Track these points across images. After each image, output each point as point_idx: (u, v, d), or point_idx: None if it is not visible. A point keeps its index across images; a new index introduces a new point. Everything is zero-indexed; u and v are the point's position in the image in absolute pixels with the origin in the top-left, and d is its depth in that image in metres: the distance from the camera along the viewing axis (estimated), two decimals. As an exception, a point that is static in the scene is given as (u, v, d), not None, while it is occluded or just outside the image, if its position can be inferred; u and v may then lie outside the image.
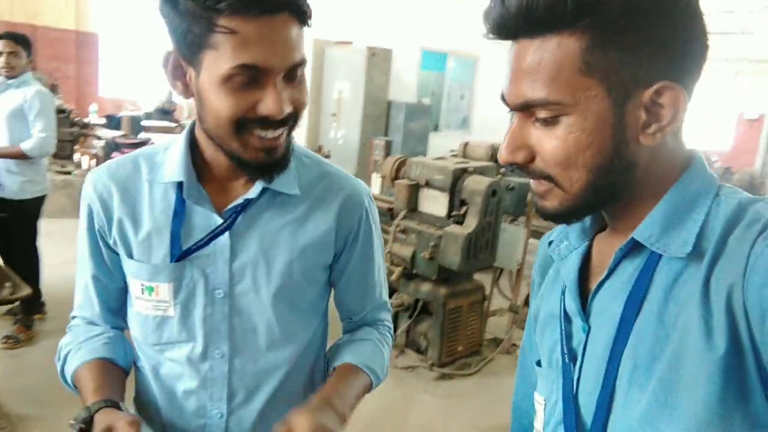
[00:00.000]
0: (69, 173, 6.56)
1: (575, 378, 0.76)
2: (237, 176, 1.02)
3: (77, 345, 1.07)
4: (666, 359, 0.65)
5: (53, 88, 7.54)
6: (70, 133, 6.51)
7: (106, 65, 11.44)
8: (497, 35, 0.69)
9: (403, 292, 3.82)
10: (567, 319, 0.79)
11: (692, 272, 0.66)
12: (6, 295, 2.76)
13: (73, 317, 1.15)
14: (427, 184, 3.75)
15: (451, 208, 3.67)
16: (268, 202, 1.03)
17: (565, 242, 0.82)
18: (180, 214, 1.01)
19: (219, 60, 0.86)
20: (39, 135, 3.52)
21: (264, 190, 1.01)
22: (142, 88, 11.26)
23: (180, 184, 1.01)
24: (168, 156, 1.04)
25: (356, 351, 1.11)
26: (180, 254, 1.00)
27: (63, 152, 6.52)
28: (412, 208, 3.83)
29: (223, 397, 1.06)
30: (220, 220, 1.01)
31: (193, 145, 1.03)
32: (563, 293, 0.81)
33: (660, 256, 0.69)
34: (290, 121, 0.93)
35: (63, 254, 5.07)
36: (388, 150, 6.03)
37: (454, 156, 4.44)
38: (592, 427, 0.72)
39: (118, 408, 0.93)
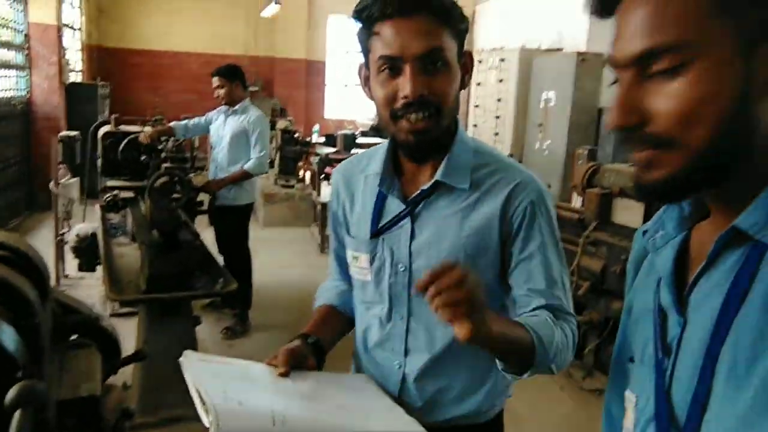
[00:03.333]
0: (291, 187, 7.31)
1: (669, 374, 0.71)
2: (423, 171, 1.22)
3: (322, 293, 1.43)
4: None
5: (282, 112, 8.50)
6: (294, 151, 7.24)
7: (332, 90, 12.58)
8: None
9: (592, 308, 3.57)
10: (661, 312, 0.75)
11: None
12: (218, 288, 3.17)
13: (329, 274, 1.47)
14: (621, 193, 3.47)
15: (647, 219, 3.34)
16: (443, 193, 1.20)
17: (660, 232, 0.76)
18: (380, 199, 1.25)
19: (374, 57, 1.11)
20: (258, 155, 4.03)
21: (438, 184, 1.18)
22: (360, 109, 12.16)
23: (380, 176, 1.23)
24: (379, 153, 1.27)
25: (523, 319, 1.11)
26: (374, 232, 1.24)
27: (287, 168, 7.29)
28: (604, 218, 3.57)
29: (401, 351, 1.25)
30: (404, 207, 1.21)
31: (396, 144, 1.24)
32: (658, 286, 0.76)
33: (766, 246, 0.62)
34: (430, 107, 1.09)
35: (280, 259, 5.69)
36: (592, 158, 5.70)
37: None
38: (686, 425, 0.67)
39: (306, 340, 1.20)
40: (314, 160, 7.18)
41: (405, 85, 1.07)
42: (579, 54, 7.55)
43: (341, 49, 12.28)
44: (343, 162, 1.39)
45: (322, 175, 6.78)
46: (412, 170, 1.23)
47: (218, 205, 4.12)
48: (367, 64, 1.16)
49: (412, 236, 1.20)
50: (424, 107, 1.09)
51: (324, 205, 6.16)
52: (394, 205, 1.22)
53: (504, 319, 1.08)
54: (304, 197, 7.23)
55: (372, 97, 1.17)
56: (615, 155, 7.45)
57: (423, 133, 1.11)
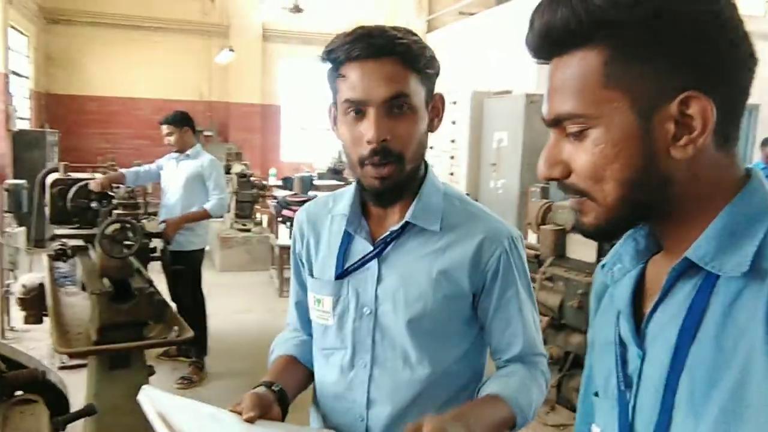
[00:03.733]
0: (248, 230, 7.23)
1: (631, 406, 0.73)
2: (390, 212, 1.20)
3: (279, 344, 1.36)
4: (727, 387, 0.61)
5: (238, 156, 8.46)
6: (250, 195, 7.19)
7: (288, 133, 12.62)
8: (536, 58, 0.73)
9: (552, 344, 3.59)
10: (622, 345, 0.77)
11: (753, 293, 0.62)
12: (173, 337, 3.08)
13: (287, 324, 1.42)
14: (574, 229, 3.55)
15: (600, 253, 3.42)
16: (413, 236, 1.18)
17: (618, 265, 0.79)
18: (346, 241, 1.22)
19: (340, 99, 1.11)
20: (219, 196, 4.00)
21: (409, 225, 1.17)
22: (316, 151, 12.21)
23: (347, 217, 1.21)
24: (346, 194, 1.25)
25: (501, 383, 1.14)
26: (339, 274, 1.20)
27: (243, 212, 7.22)
28: (560, 254, 3.64)
29: (363, 402, 1.19)
30: (372, 248, 1.18)
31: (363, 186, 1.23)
32: (618, 319, 0.78)
33: (717, 276, 0.66)
34: (392, 155, 1.09)
35: (237, 305, 5.58)
36: (545, 196, 5.83)
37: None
38: None
39: (270, 388, 1.14)
40: (271, 203, 7.15)
41: (368, 130, 1.07)
42: (528, 96, 7.79)
43: (296, 92, 12.37)
44: (308, 202, 1.37)
45: (280, 218, 6.74)
46: (380, 212, 1.21)
47: (171, 250, 4.04)
48: (334, 104, 1.16)
49: (379, 279, 1.18)
50: (387, 155, 1.09)
51: (282, 248, 6.10)
52: (361, 247, 1.20)
53: (480, 406, 1.09)
54: (261, 240, 7.16)
55: (340, 138, 1.17)
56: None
57: (387, 179, 1.11)
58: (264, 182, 8.07)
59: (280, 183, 9.29)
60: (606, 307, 0.85)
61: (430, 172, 1.22)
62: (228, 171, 7.94)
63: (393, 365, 1.17)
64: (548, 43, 0.69)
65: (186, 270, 4.04)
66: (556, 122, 0.70)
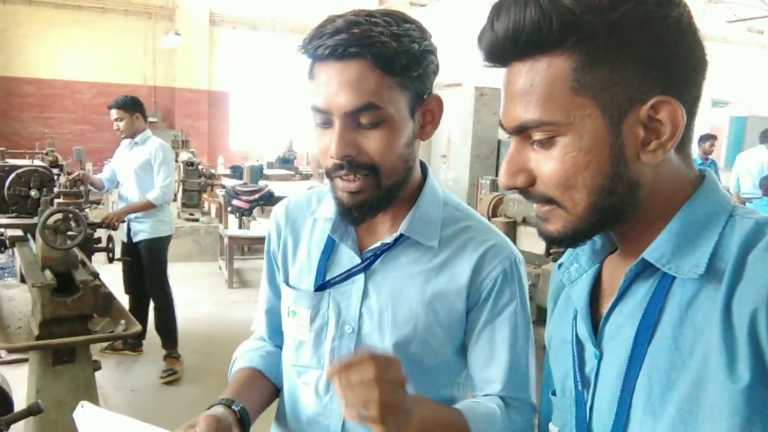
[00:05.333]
0: (196, 220, 7.07)
1: (588, 406, 0.73)
2: (381, 219, 1.05)
3: (242, 354, 1.21)
4: (684, 387, 0.62)
5: (185, 143, 8.26)
6: (198, 184, 7.02)
7: (236, 121, 12.40)
8: (491, 61, 0.70)
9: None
10: (579, 345, 0.77)
11: (708, 294, 0.63)
12: (120, 331, 2.99)
13: (252, 331, 1.28)
14: (525, 221, 3.63)
15: (550, 246, 3.51)
16: (406, 250, 1.04)
17: (575, 265, 0.80)
18: (329, 248, 1.08)
19: (310, 103, 0.95)
20: (161, 184, 3.89)
21: (403, 238, 1.03)
22: (266, 140, 12.04)
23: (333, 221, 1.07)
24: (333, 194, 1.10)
25: (468, 407, 1.00)
26: (320, 285, 1.07)
27: (191, 201, 7.05)
28: (510, 246, 3.72)
29: (338, 429, 1.07)
30: (359, 260, 1.05)
31: None
32: (575, 318, 0.78)
33: (673, 277, 0.66)
34: (362, 168, 0.93)
35: (188, 295, 5.45)
36: (494, 188, 5.94)
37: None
38: None
39: (230, 407, 1.01)
40: (220, 192, 7.01)
41: (331, 143, 0.92)
42: (477, 89, 7.89)
43: (245, 79, 12.15)
44: (289, 198, 1.20)
45: (229, 208, 6.62)
46: (373, 219, 1.05)
47: (136, 240, 3.92)
48: None
49: (365, 295, 1.04)
50: (355, 168, 0.93)
51: (232, 238, 6.00)
52: (346, 256, 1.06)
53: (438, 413, 0.95)
54: (210, 230, 7.01)
55: None
56: (515, 184, 7.82)
57: (357, 193, 0.96)
58: (212, 171, 7.90)
59: (228, 172, 9.12)
60: (562, 306, 0.85)
61: (430, 178, 1.07)
62: (175, 159, 7.76)
63: None
64: (512, 45, 0.65)
65: (151, 259, 3.94)
66: (521, 130, 0.68)
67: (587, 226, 0.69)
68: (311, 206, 1.14)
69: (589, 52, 0.63)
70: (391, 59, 0.90)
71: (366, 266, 1.04)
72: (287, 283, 1.13)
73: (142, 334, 4.03)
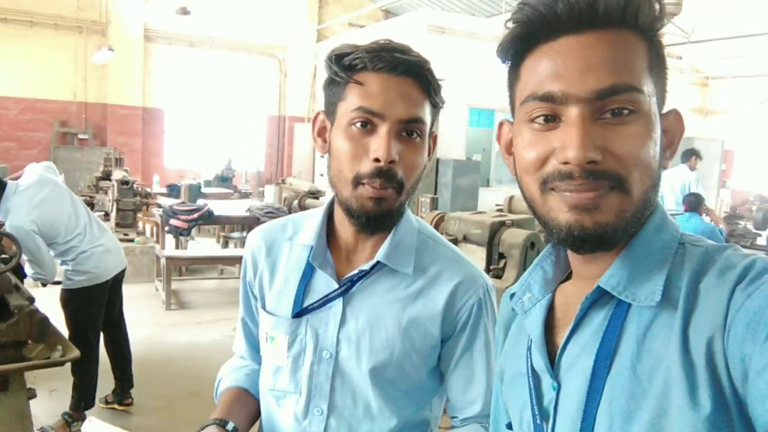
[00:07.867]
0: (131, 240, 6.87)
1: None
2: (361, 248, 1.09)
3: (228, 373, 1.26)
4: (646, 418, 0.61)
5: (119, 161, 8.03)
6: (133, 203, 6.83)
7: (171, 138, 12.13)
8: (566, 22, 0.65)
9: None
10: (535, 376, 0.75)
11: (664, 322, 0.63)
12: (56, 357, 2.88)
13: (235, 351, 1.31)
14: (465, 239, 3.73)
15: (489, 262, 3.62)
16: (383, 277, 1.08)
17: (527, 294, 0.79)
18: (307, 275, 1.10)
19: (347, 107, 1.00)
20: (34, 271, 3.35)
21: (380, 266, 1.07)
22: (203, 158, 11.82)
23: (312, 248, 1.10)
24: (309, 221, 1.15)
25: None
26: (298, 312, 1.09)
27: (125, 221, 6.84)
28: (451, 263, 3.79)
29: None
30: (336, 286, 1.08)
31: (331, 215, 1.13)
32: (529, 349, 0.77)
33: (628, 305, 0.66)
34: (394, 180, 0.99)
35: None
36: (434, 206, 6.05)
37: (500, 210, 4.40)
38: None
39: (223, 426, 1.05)
40: (156, 211, 6.84)
41: (379, 147, 0.97)
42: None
43: (181, 96, 11.93)
44: (264, 225, 1.23)
45: (167, 228, 6.47)
46: (349, 246, 1.11)
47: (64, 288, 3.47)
48: (329, 112, 1.05)
49: (343, 321, 1.07)
50: (390, 179, 0.98)
51: (169, 259, 5.86)
52: (324, 283, 1.09)
53: None
54: (145, 251, 6.81)
55: (327, 150, 1.06)
56: (453, 203, 7.98)
57: (384, 201, 1.00)
58: (147, 190, 7.70)
59: (164, 190, 8.92)
60: (515, 336, 0.84)
61: (406, 208, 1.11)
62: (108, 177, 7.52)
63: (351, 414, 1.08)
64: (605, 12, 0.64)
65: (73, 310, 3.46)
66: (604, 95, 0.63)
67: (634, 221, 0.66)
68: (287, 233, 1.17)
69: (653, 44, 0.66)
70: (430, 84, 1.02)
71: (344, 291, 1.07)
72: (264, 308, 1.15)
73: (130, 383, 3.81)
